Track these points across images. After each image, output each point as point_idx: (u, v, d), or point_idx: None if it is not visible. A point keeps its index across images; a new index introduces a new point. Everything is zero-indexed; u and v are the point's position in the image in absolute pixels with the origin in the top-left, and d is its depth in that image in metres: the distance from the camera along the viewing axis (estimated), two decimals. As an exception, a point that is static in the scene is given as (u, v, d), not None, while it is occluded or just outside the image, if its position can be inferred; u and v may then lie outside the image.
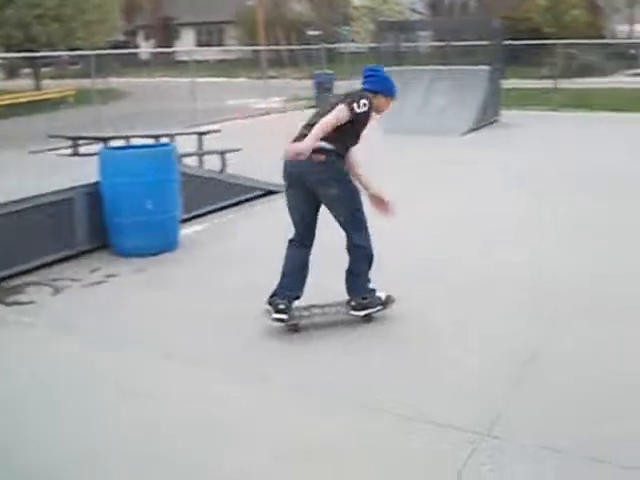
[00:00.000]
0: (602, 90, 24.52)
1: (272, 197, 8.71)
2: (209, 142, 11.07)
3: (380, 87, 4.87)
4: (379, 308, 5.04)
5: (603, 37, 45.48)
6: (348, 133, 4.69)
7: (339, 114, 4.54)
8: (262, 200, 8.85)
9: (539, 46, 23.89)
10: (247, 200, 8.78)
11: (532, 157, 11.75)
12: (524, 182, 9.73)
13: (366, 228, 4.89)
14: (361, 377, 4.26)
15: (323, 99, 20.45)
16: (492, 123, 15.98)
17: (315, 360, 4.54)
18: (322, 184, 4.73)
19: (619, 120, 17.38)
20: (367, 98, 4.67)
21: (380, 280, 5.03)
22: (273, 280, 4.90)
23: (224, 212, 8.37)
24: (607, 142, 13.49)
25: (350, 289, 5.01)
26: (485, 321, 5.05)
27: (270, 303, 4.89)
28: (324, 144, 4.60)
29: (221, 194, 8.43)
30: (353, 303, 5.00)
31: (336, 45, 31.65)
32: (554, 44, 21.36)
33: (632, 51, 44.62)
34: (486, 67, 15.90)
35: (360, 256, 4.91)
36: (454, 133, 13.85)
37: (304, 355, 4.63)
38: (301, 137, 4.61)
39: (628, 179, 9.87)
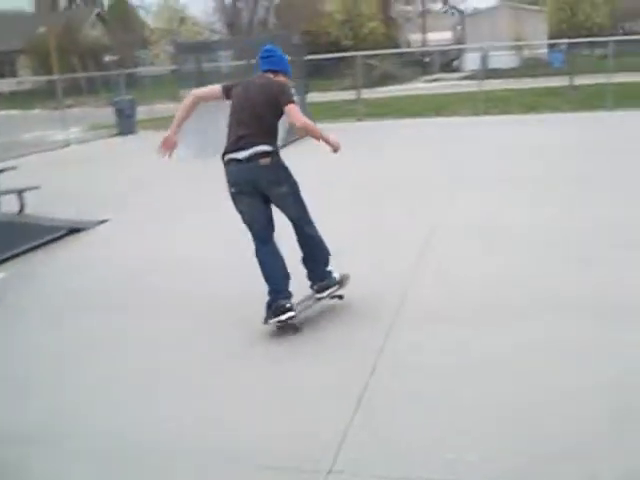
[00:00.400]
0: (402, 97, 25.73)
1: (78, 235, 8.27)
2: (4, 180, 10.35)
3: (283, 67, 5.23)
4: (337, 287, 5.40)
5: (399, 47, 47.93)
6: (278, 127, 5.04)
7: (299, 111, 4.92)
8: (68, 239, 8.38)
9: (339, 59, 24.63)
10: (51, 241, 8.27)
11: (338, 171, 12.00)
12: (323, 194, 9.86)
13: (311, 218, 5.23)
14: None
15: (126, 126, 20.22)
16: (299, 139, 16.13)
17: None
18: (274, 185, 4.98)
19: (422, 124, 18.25)
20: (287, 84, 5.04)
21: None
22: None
23: (25, 256, 7.83)
24: (413, 151, 14.06)
25: (314, 275, 5.34)
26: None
27: (274, 312, 5.00)
28: (267, 147, 4.91)
29: (20, 238, 7.87)
30: (316, 287, 5.35)
31: (136, 69, 31.00)
32: (353, 56, 22.06)
33: (426, 59, 47.39)
34: (289, 83, 16.03)
35: (316, 244, 5.26)
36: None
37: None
38: (240, 139, 4.89)
39: (418, 188, 10.29)
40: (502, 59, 38.23)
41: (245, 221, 5.12)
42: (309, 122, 4.92)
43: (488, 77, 33.42)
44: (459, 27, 52.96)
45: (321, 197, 9.73)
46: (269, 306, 5.04)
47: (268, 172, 4.92)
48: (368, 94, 23.84)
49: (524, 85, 27.31)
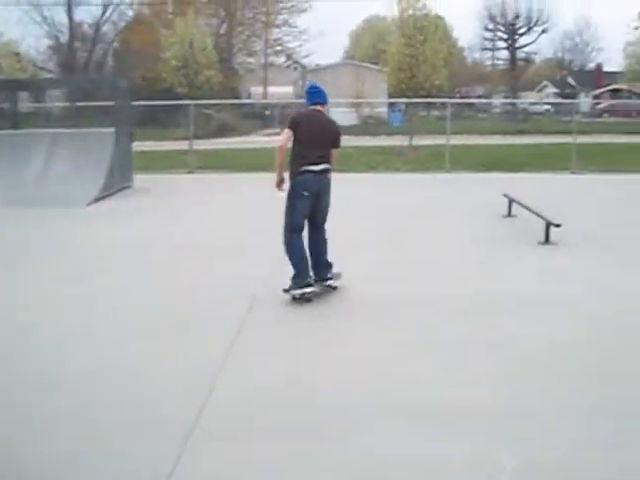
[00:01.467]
0: (240, 150, 25.25)
1: None
2: None
3: (326, 99, 7.18)
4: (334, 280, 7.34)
5: (239, 98, 47.87)
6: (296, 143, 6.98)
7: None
8: None
9: (176, 107, 23.85)
10: None
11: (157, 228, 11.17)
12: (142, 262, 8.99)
13: None
14: None
15: None
16: (124, 189, 15.19)
17: None
18: (326, 193, 7.12)
19: (259, 179, 17.69)
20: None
21: None
22: None
23: None
24: (227, 212, 13.44)
25: (327, 268, 7.25)
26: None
27: (299, 286, 6.85)
28: (330, 167, 7.08)
29: None
30: (330, 275, 7.28)
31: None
32: (187, 104, 21.35)
33: (267, 112, 47.54)
34: (112, 129, 15.08)
35: (326, 246, 7.25)
36: (78, 204, 12.75)
37: None
38: (321, 158, 6.92)
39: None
40: (342, 116, 38.91)
41: (297, 216, 6.95)
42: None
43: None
44: (300, 82, 53.80)
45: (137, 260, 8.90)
46: (295, 281, 6.88)
47: (325, 183, 7.08)
48: (203, 145, 23.21)
49: (364, 143, 27.63)
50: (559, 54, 79.37)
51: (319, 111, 7.07)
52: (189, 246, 9.64)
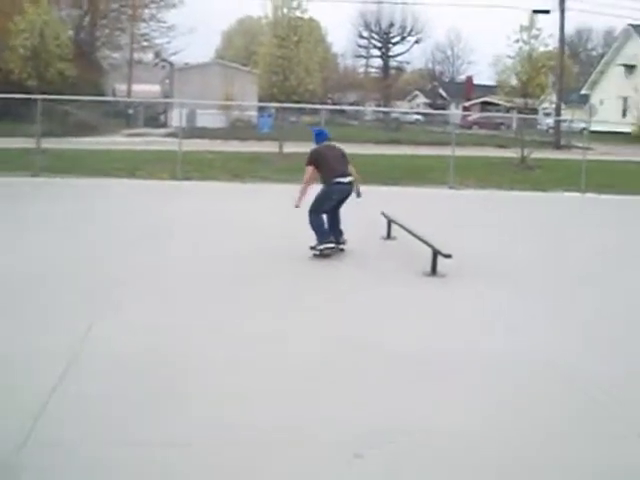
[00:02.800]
0: (98, 151, 23.17)
1: None
2: None
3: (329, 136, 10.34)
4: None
5: (103, 95, 45.21)
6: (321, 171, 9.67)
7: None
8: None
9: (23, 101, 21.51)
10: None
11: None
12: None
13: None
14: None
15: None
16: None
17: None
18: (348, 197, 9.75)
19: (109, 186, 15.89)
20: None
21: None
22: None
23: None
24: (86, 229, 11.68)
25: (338, 235, 9.68)
26: None
27: (324, 243, 9.35)
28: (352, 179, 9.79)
29: None
30: (342, 240, 9.74)
31: None
32: (34, 99, 19.14)
33: (130, 111, 45.15)
34: None
35: (340, 218, 9.84)
36: None
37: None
38: (346, 173, 9.69)
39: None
40: (210, 118, 37.24)
41: (325, 208, 9.49)
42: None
43: (194, 136, 32.27)
44: (167, 81, 51.61)
45: None
46: (320, 240, 9.32)
47: (351, 190, 9.72)
48: (56, 144, 21.06)
49: (231, 148, 26.12)
50: (430, 65, 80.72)
51: (331, 144, 10.05)
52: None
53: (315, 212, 9.37)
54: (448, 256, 7.88)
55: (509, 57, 23.44)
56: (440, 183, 18.37)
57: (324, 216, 9.46)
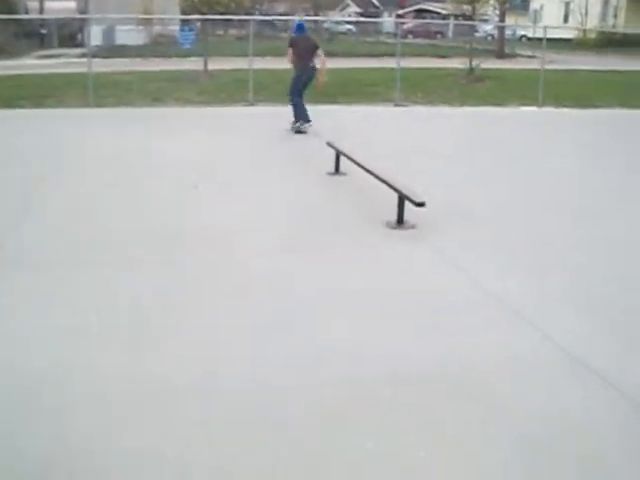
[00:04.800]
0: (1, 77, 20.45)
1: None
2: None
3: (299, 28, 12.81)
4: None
5: (16, 13, 41.40)
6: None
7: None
8: None
9: None
10: None
11: None
12: None
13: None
14: None
15: None
16: None
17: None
18: (314, 78, 12.15)
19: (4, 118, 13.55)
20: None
21: None
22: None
23: None
24: None
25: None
26: None
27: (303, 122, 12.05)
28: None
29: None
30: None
31: None
32: None
33: (43, 30, 41.47)
34: None
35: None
36: None
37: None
38: (310, 59, 12.11)
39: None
40: (130, 35, 34.23)
41: (299, 87, 12.15)
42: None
43: (114, 55, 29.43)
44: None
45: None
46: (296, 119, 12.09)
47: (314, 74, 12.18)
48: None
49: (153, 67, 23.58)
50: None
51: (306, 35, 12.56)
52: None
53: (292, 93, 12.24)
54: (421, 204, 6.07)
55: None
56: (385, 100, 16.45)
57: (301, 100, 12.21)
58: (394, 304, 4.76)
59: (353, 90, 17.66)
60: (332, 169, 8.63)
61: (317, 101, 15.19)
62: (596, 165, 9.90)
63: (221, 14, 20.56)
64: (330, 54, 30.97)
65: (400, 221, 6.46)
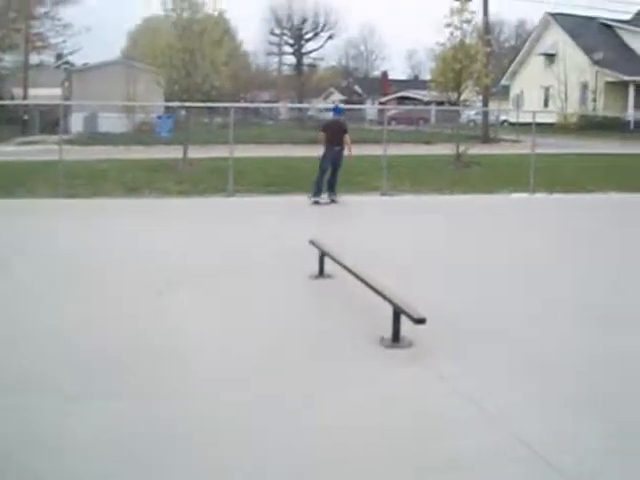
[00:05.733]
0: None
1: None
2: None
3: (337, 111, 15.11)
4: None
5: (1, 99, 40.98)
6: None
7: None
8: None
9: None
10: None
11: None
12: None
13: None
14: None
15: None
16: None
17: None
18: (342, 159, 13.80)
19: None
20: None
21: None
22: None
23: None
24: None
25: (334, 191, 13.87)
26: None
27: (314, 197, 13.44)
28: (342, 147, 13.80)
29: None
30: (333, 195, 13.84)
31: None
32: None
33: (25, 116, 40.95)
34: None
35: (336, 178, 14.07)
36: None
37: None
38: (339, 142, 13.70)
39: None
40: (113, 122, 33.71)
41: (326, 167, 13.61)
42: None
43: (94, 142, 28.81)
44: (67, 83, 47.62)
45: None
46: (313, 194, 13.46)
47: (341, 155, 13.74)
48: None
49: (134, 155, 22.87)
50: (344, 61, 78.31)
51: (337, 119, 14.48)
52: None
53: (320, 169, 13.50)
54: (421, 321, 5.07)
55: (439, 44, 20.72)
56: (372, 189, 15.64)
57: (326, 176, 13.63)
58: (389, 448, 3.70)
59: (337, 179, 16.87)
60: (316, 271, 7.64)
61: (303, 190, 14.42)
62: (607, 258, 8.99)
63: (201, 101, 19.88)
64: (313, 141, 30.72)
65: (396, 338, 5.44)
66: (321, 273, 7.61)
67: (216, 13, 20.30)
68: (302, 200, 13.63)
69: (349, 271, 6.52)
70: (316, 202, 13.36)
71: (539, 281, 7.79)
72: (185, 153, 19.24)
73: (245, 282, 7.56)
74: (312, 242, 7.81)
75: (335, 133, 13.54)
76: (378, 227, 11.40)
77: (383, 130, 16.51)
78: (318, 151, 14.09)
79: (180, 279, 7.51)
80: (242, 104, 21.72)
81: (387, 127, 17.07)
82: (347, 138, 13.62)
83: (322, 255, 7.54)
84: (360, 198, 14.86)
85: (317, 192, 13.44)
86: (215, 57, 19.74)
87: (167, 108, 25.48)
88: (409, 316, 5.14)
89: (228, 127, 16.30)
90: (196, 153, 19.96)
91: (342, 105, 15.36)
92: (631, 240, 10.41)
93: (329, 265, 7.38)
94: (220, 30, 20.53)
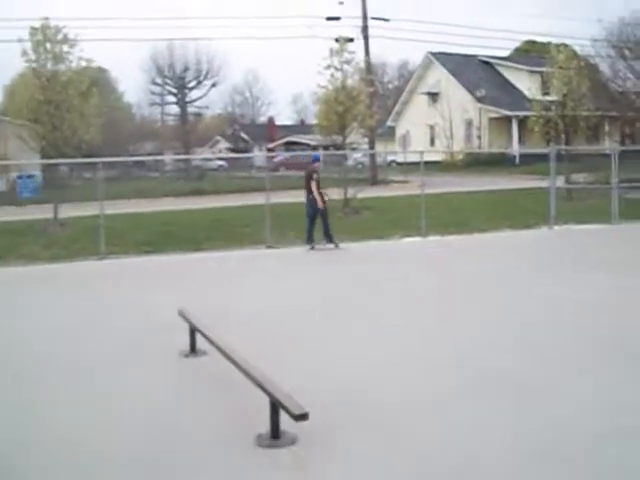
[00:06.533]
0: None
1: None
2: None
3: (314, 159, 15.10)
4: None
5: None
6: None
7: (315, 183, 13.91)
8: None
9: None
10: None
11: None
12: None
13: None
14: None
15: None
16: None
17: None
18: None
19: None
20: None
21: None
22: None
23: None
24: None
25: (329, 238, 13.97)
26: None
27: (307, 243, 13.88)
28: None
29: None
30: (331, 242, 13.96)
31: None
32: None
33: None
34: None
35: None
36: None
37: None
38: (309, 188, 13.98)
39: None
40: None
41: (307, 215, 13.93)
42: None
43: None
44: None
45: None
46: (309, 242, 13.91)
47: (311, 203, 13.92)
48: None
49: (6, 217, 21.23)
50: (230, 108, 77.74)
51: (310, 167, 14.46)
52: None
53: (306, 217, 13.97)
54: (302, 417, 4.17)
55: (320, 87, 20.09)
56: (256, 242, 14.73)
57: (314, 223, 13.87)
58: None
59: (220, 233, 15.91)
60: (187, 348, 6.64)
61: (182, 249, 13.43)
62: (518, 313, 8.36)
63: (70, 156, 18.57)
64: (198, 192, 29.74)
65: (275, 435, 4.51)
66: (193, 350, 6.62)
67: (83, 63, 19.10)
68: (181, 259, 12.62)
69: (221, 352, 5.56)
70: (312, 248, 13.79)
71: (441, 339, 7.03)
72: (56, 213, 17.87)
73: (102, 362, 6.49)
74: (181, 313, 6.82)
75: (307, 180, 13.84)
76: (264, 286, 10.48)
77: (266, 178, 15.56)
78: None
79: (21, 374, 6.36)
80: (110, 158, 20.30)
81: (275, 173, 16.56)
82: (312, 185, 13.67)
83: (192, 330, 6.56)
84: (245, 252, 13.92)
85: (307, 239, 13.85)
86: (84, 109, 18.53)
87: (33, 165, 23.89)
88: (288, 411, 4.23)
89: (113, 180, 15.17)
90: (74, 211, 18.57)
91: (318, 153, 16.90)
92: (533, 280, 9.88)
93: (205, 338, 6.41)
94: (87, 80, 19.28)
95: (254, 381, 4.74)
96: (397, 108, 56.68)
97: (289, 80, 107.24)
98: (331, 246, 13.89)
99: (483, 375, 5.80)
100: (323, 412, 4.69)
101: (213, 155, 63.84)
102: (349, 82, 20.04)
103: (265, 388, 4.55)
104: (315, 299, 9.26)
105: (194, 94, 63.30)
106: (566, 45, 25.27)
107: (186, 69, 64.53)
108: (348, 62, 19.94)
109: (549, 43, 26.93)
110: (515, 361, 6.20)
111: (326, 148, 22.66)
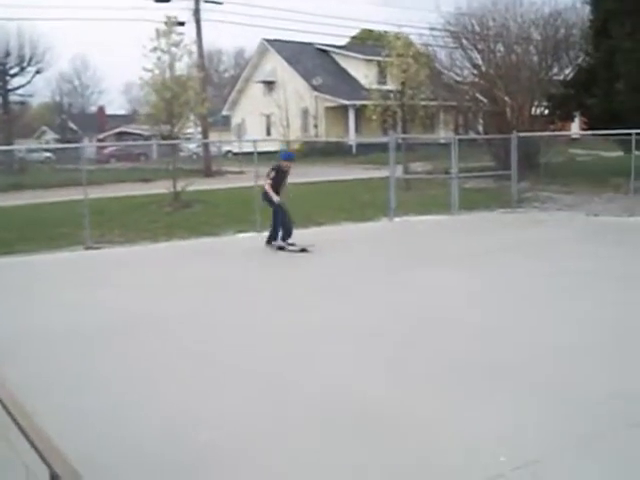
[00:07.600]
0: None
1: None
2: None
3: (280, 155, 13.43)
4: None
5: None
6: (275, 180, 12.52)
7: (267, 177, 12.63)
8: None
9: None
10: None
11: None
12: None
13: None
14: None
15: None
16: None
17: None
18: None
19: None
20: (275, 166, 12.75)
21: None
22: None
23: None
24: None
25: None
26: None
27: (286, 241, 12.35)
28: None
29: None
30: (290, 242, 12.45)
31: None
32: None
33: None
34: None
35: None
36: None
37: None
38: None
39: None
40: None
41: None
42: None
43: None
44: None
45: None
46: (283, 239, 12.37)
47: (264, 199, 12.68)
48: None
49: None
50: (57, 97, 73.83)
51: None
52: None
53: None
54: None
55: (146, 70, 18.57)
56: (74, 242, 13.25)
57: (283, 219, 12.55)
58: None
59: (35, 233, 14.27)
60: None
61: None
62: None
63: None
64: (18, 187, 27.44)
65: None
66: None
67: None
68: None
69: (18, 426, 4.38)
70: (280, 248, 12.36)
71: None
72: None
73: None
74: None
75: (280, 180, 12.78)
76: (76, 297, 9.17)
77: (82, 171, 14.00)
78: None
79: None
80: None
81: (104, 166, 14.98)
82: (266, 181, 12.60)
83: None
84: (60, 255, 12.46)
85: (284, 237, 12.47)
86: None
87: None
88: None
89: None
90: None
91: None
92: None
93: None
94: None
95: (35, 449, 3.63)
96: (233, 97, 55.62)
97: (121, 68, 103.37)
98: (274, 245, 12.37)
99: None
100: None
101: (35, 146, 60.07)
102: (178, 66, 18.75)
103: (45, 459, 3.46)
104: (116, 311, 8.13)
105: (17, 81, 59.41)
106: (404, 33, 25.09)
107: (7, 55, 60.47)
108: (176, 44, 18.60)
109: (386, 32, 26.69)
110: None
111: (164, 138, 21.13)
